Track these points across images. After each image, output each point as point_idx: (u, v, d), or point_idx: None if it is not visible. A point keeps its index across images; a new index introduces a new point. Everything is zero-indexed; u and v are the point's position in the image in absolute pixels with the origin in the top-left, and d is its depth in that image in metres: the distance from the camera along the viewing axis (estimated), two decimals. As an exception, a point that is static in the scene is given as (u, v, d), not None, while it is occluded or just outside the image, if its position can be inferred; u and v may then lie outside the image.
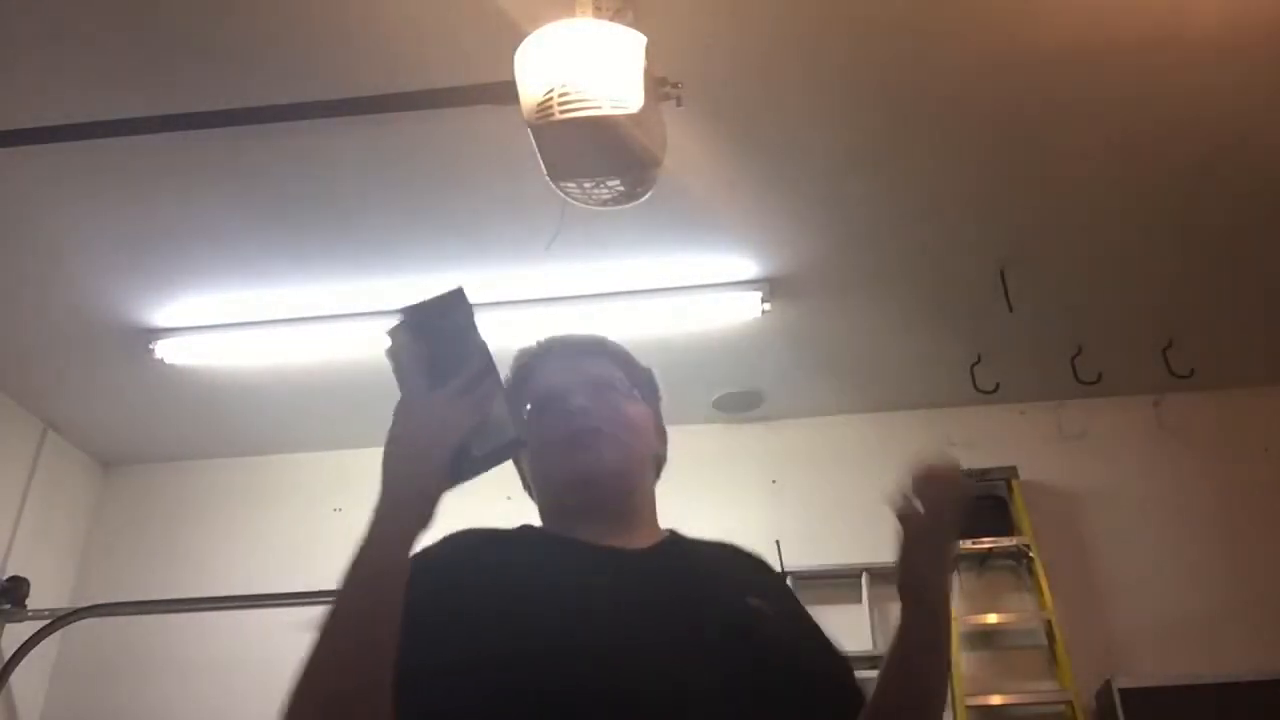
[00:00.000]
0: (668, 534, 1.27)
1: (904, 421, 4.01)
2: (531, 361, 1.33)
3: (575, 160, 2.03)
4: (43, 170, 2.81)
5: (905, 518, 1.07)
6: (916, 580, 1.10)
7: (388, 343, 1.05)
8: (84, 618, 3.50)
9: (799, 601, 1.25)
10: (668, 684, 1.00)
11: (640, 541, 1.20)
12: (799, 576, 3.45)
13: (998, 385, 3.60)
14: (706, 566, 1.22)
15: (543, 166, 2.05)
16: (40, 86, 2.53)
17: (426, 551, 1.05)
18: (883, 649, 1.16)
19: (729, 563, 1.26)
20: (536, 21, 2.00)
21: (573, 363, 1.31)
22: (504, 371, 1.17)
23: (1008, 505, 3.74)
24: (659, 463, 1.33)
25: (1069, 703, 3.32)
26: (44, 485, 3.99)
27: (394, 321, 1.06)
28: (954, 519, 1.08)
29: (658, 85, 2.06)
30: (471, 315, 1.06)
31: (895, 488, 1.07)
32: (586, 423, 1.23)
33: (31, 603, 3.67)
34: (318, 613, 0.92)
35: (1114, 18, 2.44)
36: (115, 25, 2.40)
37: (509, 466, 1.26)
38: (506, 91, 2.01)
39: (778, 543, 3.52)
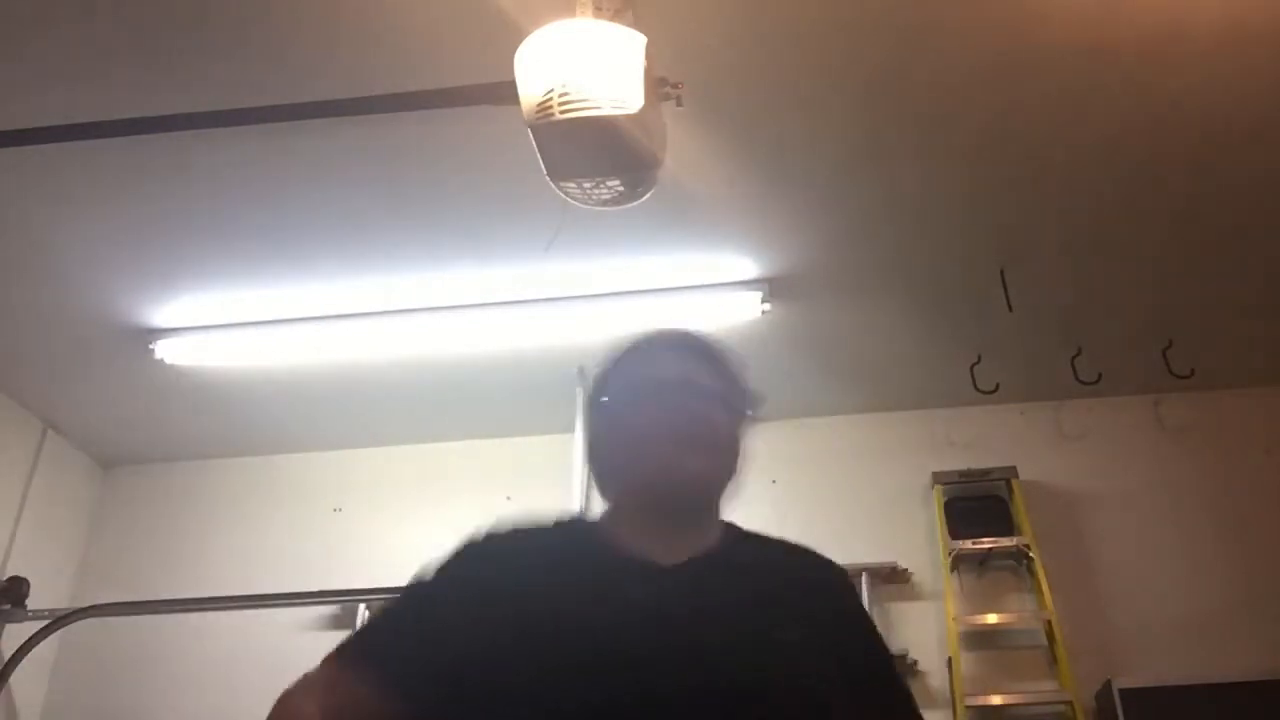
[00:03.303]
0: (723, 534, 1.25)
1: (904, 421, 4.01)
2: (642, 346, 1.31)
3: (575, 160, 2.03)
4: (42, 170, 2.81)
5: None
6: None
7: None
8: (84, 618, 3.50)
9: (860, 623, 1.28)
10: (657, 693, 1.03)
11: (689, 549, 1.19)
12: (799, 576, 3.44)
13: (998, 385, 3.60)
14: (739, 586, 1.17)
15: (543, 166, 2.05)
16: (40, 86, 2.53)
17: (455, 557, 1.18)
18: (882, 649, 1.19)
19: (769, 580, 1.21)
20: (536, 21, 2.00)
21: (688, 364, 1.27)
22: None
23: (1008, 505, 3.74)
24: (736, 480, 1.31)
25: (1069, 703, 3.32)
26: (44, 485, 3.98)
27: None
28: None
29: (658, 85, 2.06)
30: None
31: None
32: (702, 430, 1.21)
33: (31, 603, 3.67)
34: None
35: (1114, 17, 2.44)
36: (116, 25, 2.40)
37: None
38: (506, 91, 2.01)
39: (778, 543, 3.52)
